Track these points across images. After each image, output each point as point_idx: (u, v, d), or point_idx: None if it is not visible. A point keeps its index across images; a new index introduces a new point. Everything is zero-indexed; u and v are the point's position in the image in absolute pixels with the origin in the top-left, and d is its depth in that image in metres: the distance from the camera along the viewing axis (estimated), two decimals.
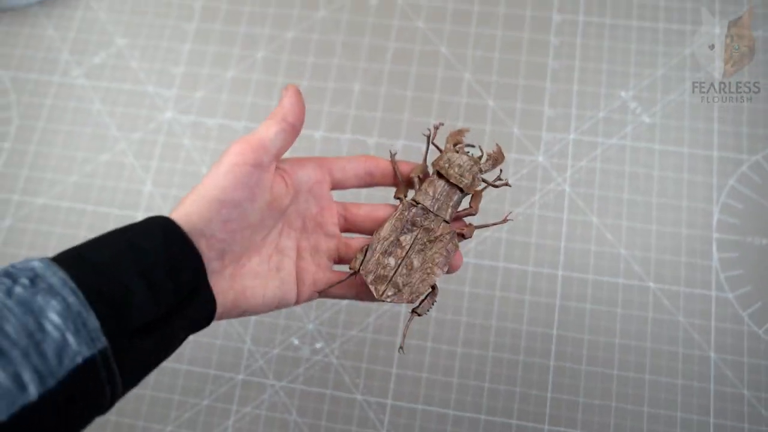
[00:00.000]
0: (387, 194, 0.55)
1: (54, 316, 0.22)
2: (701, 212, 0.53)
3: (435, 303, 0.35)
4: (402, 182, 0.35)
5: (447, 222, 0.34)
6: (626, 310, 0.51)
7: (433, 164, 0.35)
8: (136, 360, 0.25)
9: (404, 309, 0.52)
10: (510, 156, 0.56)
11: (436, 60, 0.59)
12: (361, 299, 0.35)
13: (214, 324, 0.53)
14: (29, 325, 0.22)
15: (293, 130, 0.31)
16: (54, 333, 0.22)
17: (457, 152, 0.35)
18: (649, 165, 0.55)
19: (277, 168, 0.32)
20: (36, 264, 0.24)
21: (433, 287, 0.34)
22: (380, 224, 0.34)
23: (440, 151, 0.36)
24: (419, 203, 0.34)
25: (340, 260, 0.35)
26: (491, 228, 0.54)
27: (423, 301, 0.34)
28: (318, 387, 0.51)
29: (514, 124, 0.56)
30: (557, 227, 0.53)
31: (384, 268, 0.33)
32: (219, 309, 0.29)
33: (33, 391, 0.21)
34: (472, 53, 0.59)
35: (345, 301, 0.53)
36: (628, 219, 0.53)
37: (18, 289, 0.23)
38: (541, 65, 0.58)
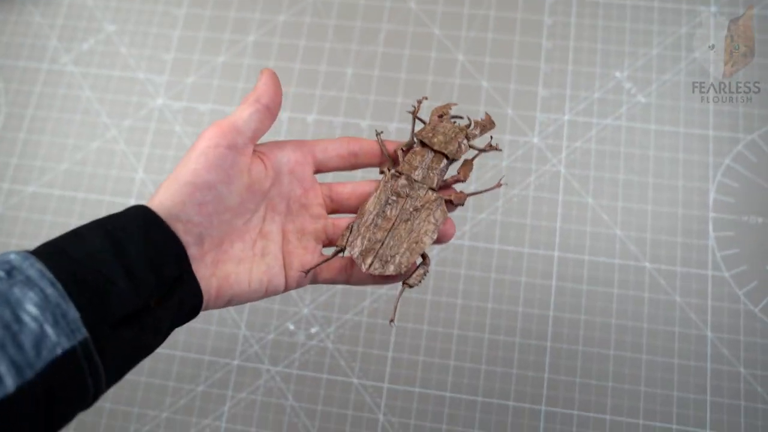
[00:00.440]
0: (373, 175, 0.55)
1: (31, 308, 0.22)
2: (697, 192, 0.53)
3: (427, 273, 0.34)
4: (388, 159, 0.34)
5: (434, 190, 0.33)
6: (622, 290, 0.51)
7: (416, 134, 0.34)
8: (119, 352, 0.25)
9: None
10: (504, 137, 0.55)
11: (429, 41, 0.58)
12: (352, 282, 0.34)
13: (209, 310, 0.52)
14: (5, 316, 0.22)
15: (268, 112, 0.30)
16: (31, 324, 0.22)
17: (441, 123, 0.34)
18: (645, 145, 0.54)
19: (255, 151, 0.31)
20: (13, 256, 0.23)
21: (424, 257, 0.33)
22: (364, 199, 0.34)
23: (423, 123, 0.35)
24: (403, 173, 0.33)
25: (329, 242, 0.34)
26: (486, 210, 0.53)
27: (414, 272, 0.33)
28: (314, 371, 0.50)
29: (508, 105, 0.56)
30: (553, 208, 0.53)
31: (370, 241, 0.32)
32: (204, 297, 0.29)
33: (10, 383, 0.21)
34: (466, 34, 0.58)
35: (340, 285, 0.52)
36: (623, 199, 0.53)
37: None
38: (535, 45, 0.57)
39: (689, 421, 0.47)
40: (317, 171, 0.34)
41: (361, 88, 0.57)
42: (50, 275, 0.23)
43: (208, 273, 0.29)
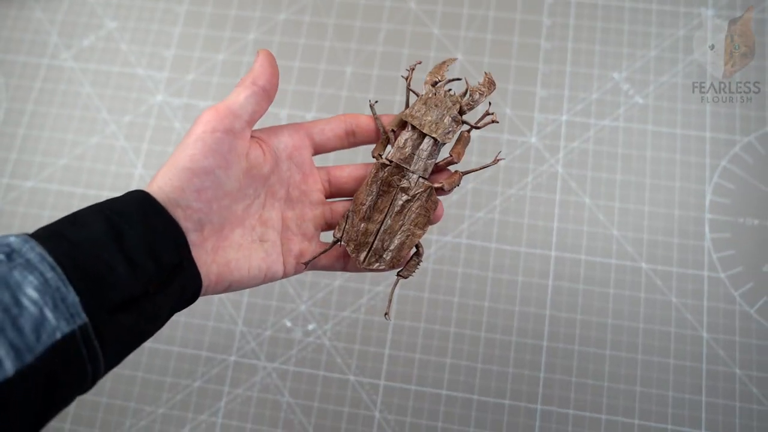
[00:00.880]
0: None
1: (31, 291, 0.22)
2: (694, 193, 0.53)
3: (420, 263, 0.34)
4: (384, 136, 0.33)
5: (424, 178, 0.32)
6: (619, 290, 0.51)
7: (405, 116, 0.32)
8: (117, 337, 0.25)
9: (396, 289, 0.52)
10: (502, 137, 0.55)
11: (428, 41, 0.59)
12: (349, 269, 0.34)
13: (206, 305, 0.52)
14: (5, 299, 0.22)
15: (264, 94, 0.30)
16: (31, 308, 0.22)
17: (434, 94, 0.32)
18: (642, 146, 0.54)
19: (252, 136, 0.31)
20: (13, 239, 0.23)
21: (417, 247, 0.33)
22: (360, 186, 0.33)
23: (417, 96, 0.33)
24: (392, 161, 0.32)
25: (327, 227, 0.34)
26: (484, 209, 0.53)
27: (408, 263, 0.33)
28: (310, 368, 0.50)
29: (506, 105, 0.56)
30: (550, 208, 0.53)
31: (363, 234, 0.32)
32: (204, 282, 0.29)
33: (9, 366, 0.21)
34: (465, 34, 0.59)
35: (337, 282, 0.52)
36: (620, 200, 0.53)
37: None
38: (534, 46, 0.58)
39: (684, 422, 0.48)
40: (316, 153, 0.34)
41: (361, 87, 0.58)
42: (50, 259, 0.23)
43: (208, 259, 0.29)
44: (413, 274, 0.34)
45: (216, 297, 0.52)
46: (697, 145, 0.54)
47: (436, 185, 0.32)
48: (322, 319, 0.52)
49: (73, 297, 0.23)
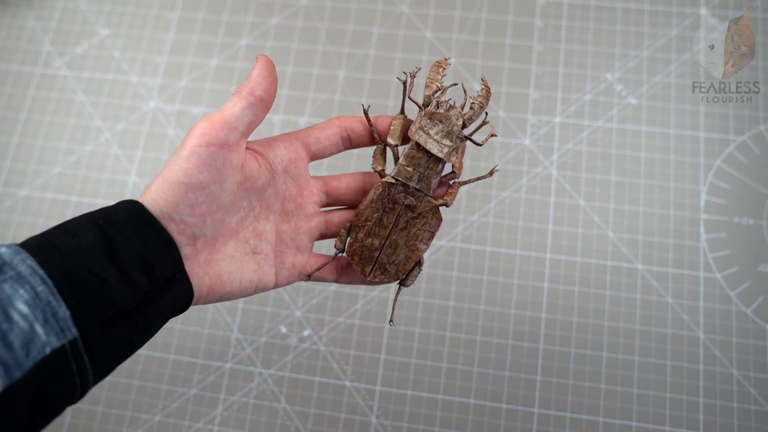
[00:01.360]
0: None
1: (21, 306, 0.22)
2: (688, 193, 0.53)
3: (421, 272, 0.35)
4: (379, 142, 0.33)
5: (429, 196, 0.33)
6: (614, 292, 0.51)
7: (409, 134, 0.32)
8: (108, 350, 0.24)
9: (392, 295, 0.52)
10: (496, 140, 0.55)
11: (421, 45, 0.58)
12: (341, 281, 0.34)
13: (201, 313, 0.52)
14: None
15: (262, 104, 0.29)
16: (21, 323, 0.22)
17: (437, 110, 0.32)
18: (636, 147, 0.54)
19: (248, 149, 0.31)
20: (3, 250, 0.23)
21: (419, 260, 0.34)
22: (362, 197, 0.33)
23: (418, 106, 0.33)
24: (398, 180, 0.32)
25: (321, 237, 0.34)
26: (478, 212, 0.53)
27: (409, 273, 0.34)
28: (306, 374, 0.50)
29: (499, 108, 0.56)
30: (544, 210, 0.53)
31: (368, 249, 0.33)
32: (195, 294, 0.29)
33: None
34: (457, 37, 0.59)
35: (332, 288, 0.52)
36: (615, 201, 0.53)
37: None
38: (526, 48, 0.58)
39: (682, 423, 0.47)
40: (311, 161, 0.33)
41: (354, 91, 0.58)
42: (41, 272, 0.23)
43: (201, 272, 0.29)
44: (414, 283, 0.34)
45: (211, 304, 0.52)
46: (692, 145, 0.54)
47: (440, 203, 0.33)
48: (317, 325, 0.51)
49: (63, 311, 0.23)
